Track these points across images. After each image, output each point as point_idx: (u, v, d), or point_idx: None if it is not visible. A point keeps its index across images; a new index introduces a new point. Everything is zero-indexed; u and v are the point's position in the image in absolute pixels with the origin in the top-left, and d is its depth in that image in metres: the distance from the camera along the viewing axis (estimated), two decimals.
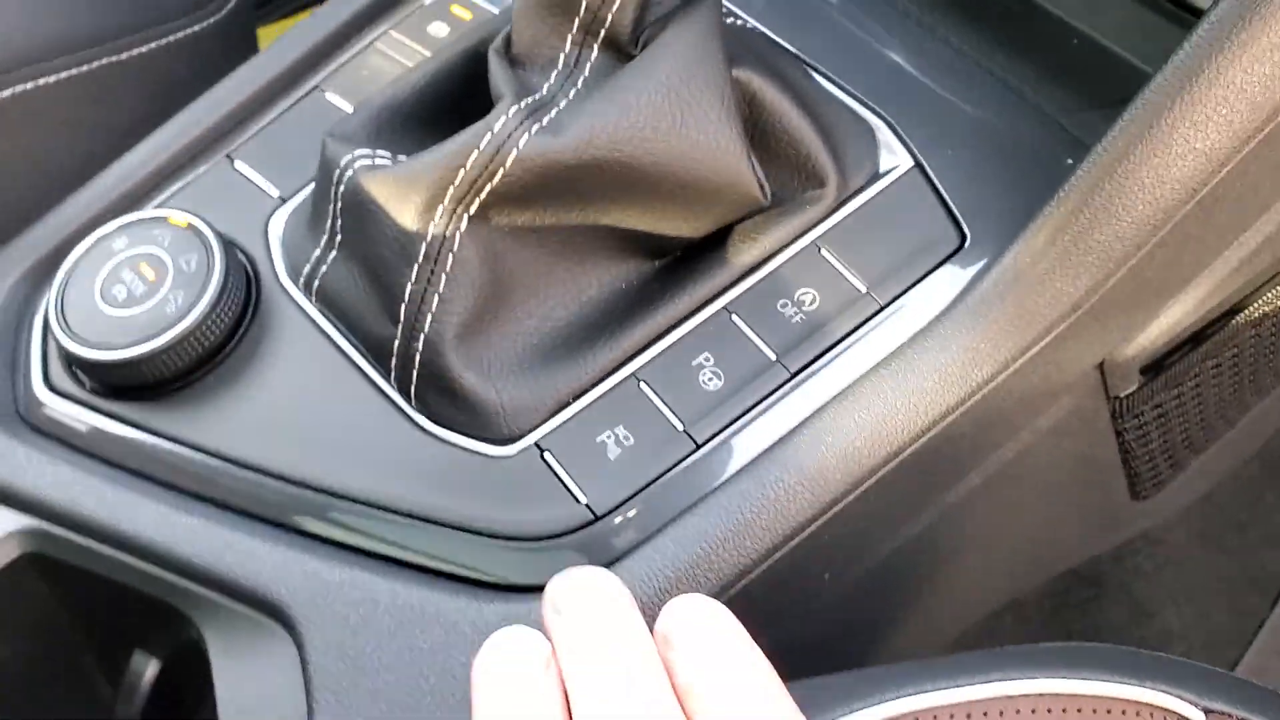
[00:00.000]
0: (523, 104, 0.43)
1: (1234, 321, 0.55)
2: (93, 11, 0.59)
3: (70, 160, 0.57)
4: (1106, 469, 0.60)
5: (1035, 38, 0.54)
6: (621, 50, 0.44)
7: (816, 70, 0.51)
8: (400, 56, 0.54)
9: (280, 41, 0.56)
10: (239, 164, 0.53)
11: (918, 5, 0.54)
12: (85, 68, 0.58)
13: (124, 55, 0.60)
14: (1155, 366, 0.54)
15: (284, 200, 0.51)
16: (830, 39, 0.52)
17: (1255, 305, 0.55)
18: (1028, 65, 0.53)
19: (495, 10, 0.55)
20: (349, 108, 0.53)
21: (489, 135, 0.42)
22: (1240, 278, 0.51)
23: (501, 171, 0.41)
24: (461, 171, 0.42)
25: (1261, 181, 0.44)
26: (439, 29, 0.55)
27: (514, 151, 0.41)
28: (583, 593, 0.34)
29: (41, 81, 0.57)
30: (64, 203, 0.53)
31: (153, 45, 0.61)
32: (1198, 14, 0.50)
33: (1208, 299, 0.51)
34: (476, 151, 0.41)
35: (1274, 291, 0.55)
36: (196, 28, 0.63)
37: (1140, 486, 0.63)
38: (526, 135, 0.41)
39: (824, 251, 0.46)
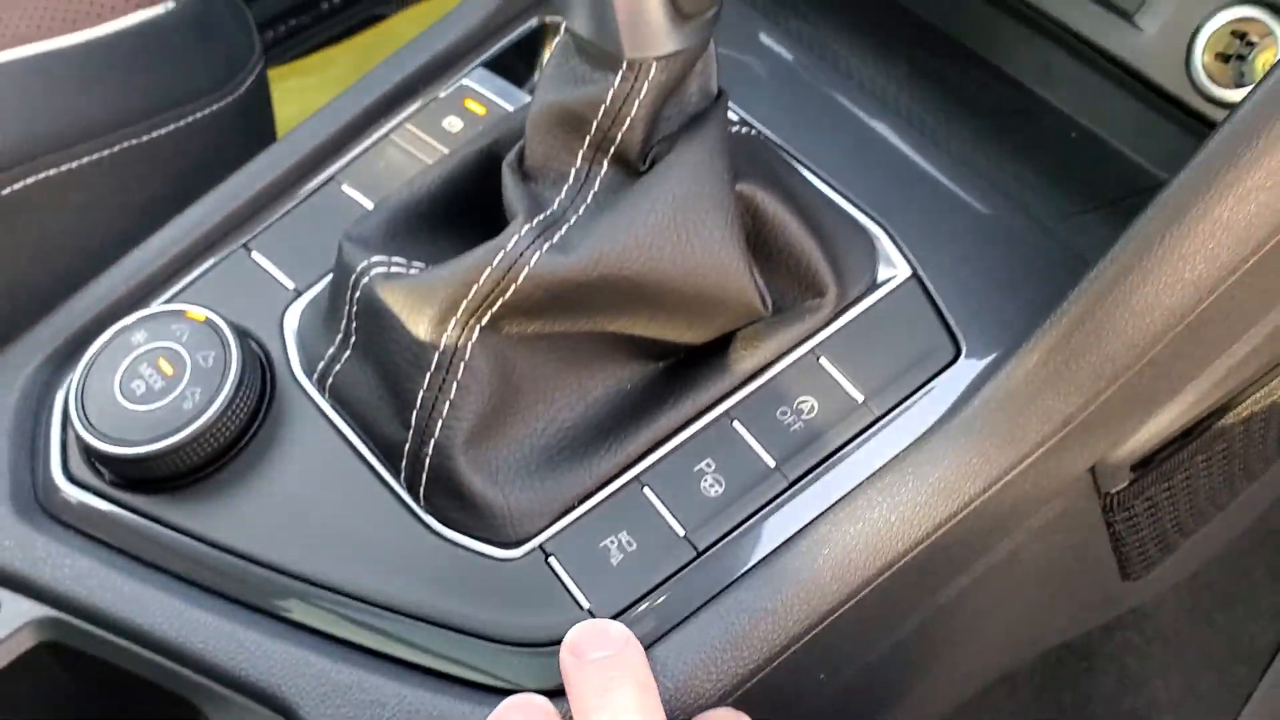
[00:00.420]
0: (534, 222, 0.44)
1: (1223, 420, 0.56)
2: (116, 97, 0.60)
3: (90, 244, 0.58)
4: (1097, 556, 0.61)
5: (1034, 134, 0.55)
6: (630, 166, 0.45)
7: (819, 175, 0.52)
8: (415, 150, 0.56)
9: (297, 131, 0.57)
10: (256, 254, 0.54)
11: (920, 105, 0.56)
12: (106, 152, 0.59)
13: (144, 138, 0.61)
14: (1146, 462, 0.55)
15: (299, 293, 0.52)
16: (835, 143, 0.54)
17: (1244, 405, 0.56)
18: (1026, 165, 0.54)
19: (509, 106, 0.56)
20: (365, 201, 0.55)
21: (502, 253, 0.43)
22: (1229, 383, 0.53)
23: (513, 288, 0.43)
24: (475, 287, 0.43)
25: (1247, 304, 0.45)
26: (453, 123, 0.56)
27: (526, 269, 0.43)
28: (598, 639, 0.41)
29: (64, 167, 0.58)
30: (83, 290, 0.54)
31: (172, 126, 0.62)
32: (1197, 116, 0.52)
33: (1197, 403, 0.53)
34: (490, 268, 0.43)
35: (1262, 391, 0.56)
36: (215, 107, 0.65)
37: (1130, 569, 0.64)
38: (538, 253, 0.43)
39: (823, 360, 0.48)
